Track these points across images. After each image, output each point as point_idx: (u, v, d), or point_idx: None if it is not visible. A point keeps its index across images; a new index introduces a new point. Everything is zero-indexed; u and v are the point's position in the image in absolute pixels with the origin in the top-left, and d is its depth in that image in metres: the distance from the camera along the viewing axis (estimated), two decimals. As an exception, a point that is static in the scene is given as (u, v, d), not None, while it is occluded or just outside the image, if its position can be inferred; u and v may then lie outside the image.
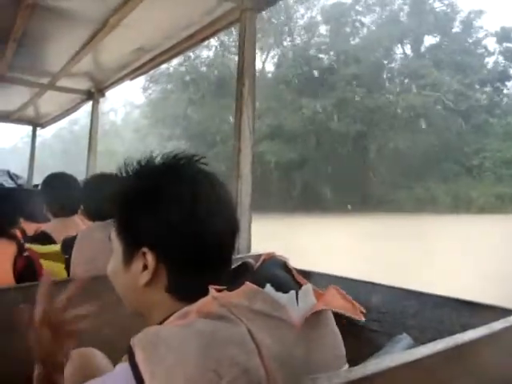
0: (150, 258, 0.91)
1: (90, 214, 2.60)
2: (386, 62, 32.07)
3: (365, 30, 33.23)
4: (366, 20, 33.38)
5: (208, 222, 0.92)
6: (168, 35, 3.11)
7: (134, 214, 0.95)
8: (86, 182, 2.72)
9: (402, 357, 0.80)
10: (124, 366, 0.75)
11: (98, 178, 2.71)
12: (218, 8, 2.64)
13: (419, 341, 1.41)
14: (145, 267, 0.92)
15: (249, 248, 2.46)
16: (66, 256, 2.44)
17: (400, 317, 1.67)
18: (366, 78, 28.68)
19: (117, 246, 1.00)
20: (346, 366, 0.91)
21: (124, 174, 1.01)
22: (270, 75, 33.67)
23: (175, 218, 0.91)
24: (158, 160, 0.99)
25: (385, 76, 31.96)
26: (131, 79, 4.13)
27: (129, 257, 0.96)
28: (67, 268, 2.49)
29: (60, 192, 3.07)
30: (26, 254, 2.37)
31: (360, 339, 1.69)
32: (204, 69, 31.77)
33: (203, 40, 3.12)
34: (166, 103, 31.42)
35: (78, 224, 3.00)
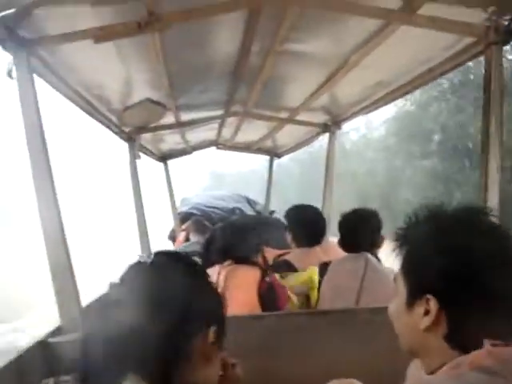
0: (433, 305, 0.93)
1: (344, 245, 2.70)
2: None
3: None
4: None
5: (498, 274, 0.92)
6: (406, 70, 3.06)
7: (424, 262, 0.98)
8: (344, 216, 2.82)
9: None
10: None
11: (354, 213, 2.80)
12: (459, 42, 2.51)
13: None
14: (426, 312, 0.95)
15: None
16: (320, 278, 2.59)
17: None
18: None
19: (401, 286, 1.03)
20: None
21: (413, 219, 1.05)
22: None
23: (465, 271, 0.92)
24: (447, 209, 1.02)
25: None
26: (367, 113, 4.16)
27: (412, 299, 0.99)
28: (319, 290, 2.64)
29: (306, 224, 3.26)
30: (267, 279, 2.54)
31: None
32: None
33: (442, 74, 3.01)
34: (419, 115, 27.64)
35: (319, 255, 3.11)
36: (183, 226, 5.85)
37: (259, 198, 7.13)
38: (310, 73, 3.31)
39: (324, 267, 2.67)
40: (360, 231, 2.65)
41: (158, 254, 1.12)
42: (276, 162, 7.06)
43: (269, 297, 2.47)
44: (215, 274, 2.50)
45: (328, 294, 2.55)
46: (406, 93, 3.49)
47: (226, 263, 2.56)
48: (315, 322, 2.19)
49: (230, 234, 2.76)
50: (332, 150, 4.83)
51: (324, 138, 5.13)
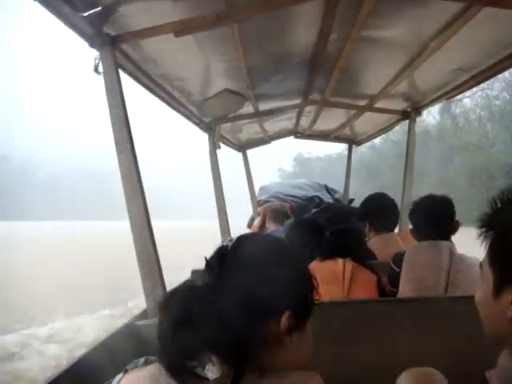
0: None
1: (417, 233, 2.65)
2: None
3: None
4: None
5: None
6: (489, 54, 2.92)
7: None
8: (417, 202, 2.77)
9: None
10: None
11: (427, 199, 2.74)
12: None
13: None
14: None
15: None
16: (397, 270, 2.55)
17: None
18: None
19: (488, 274, 1.01)
20: None
21: (499, 203, 1.01)
22: None
23: None
24: None
25: None
26: (448, 98, 4.01)
27: (500, 287, 0.96)
28: (391, 280, 2.60)
29: (384, 209, 3.26)
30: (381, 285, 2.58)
31: None
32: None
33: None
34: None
35: (398, 241, 3.07)
36: (259, 209, 5.91)
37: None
38: (389, 59, 3.24)
39: (398, 257, 2.59)
40: (440, 218, 2.57)
41: (243, 237, 1.10)
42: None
43: None
44: (338, 266, 2.54)
45: (409, 287, 2.46)
46: (489, 77, 3.31)
47: (348, 259, 2.57)
48: (395, 310, 2.16)
49: (352, 234, 2.83)
50: (412, 137, 4.69)
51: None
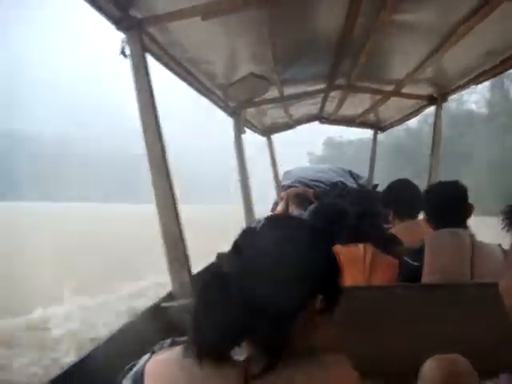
0: None
1: (433, 221, 2.63)
2: None
3: None
4: None
5: None
6: None
7: None
8: (428, 190, 2.76)
9: None
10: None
11: (438, 185, 2.73)
12: None
13: None
14: None
15: None
16: (415, 264, 2.52)
17: None
18: None
19: None
20: None
21: None
22: None
23: None
24: None
25: None
26: (476, 84, 3.95)
27: None
28: (412, 275, 2.53)
29: (407, 196, 3.25)
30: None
31: None
32: None
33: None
34: None
35: (423, 227, 3.07)
36: (282, 194, 5.92)
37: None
38: (416, 44, 3.19)
39: (416, 252, 2.56)
40: (454, 202, 2.55)
41: (274, 218, 1.11)
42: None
43: None
44: (359, 251, 2.57)
45: (434, 276, 2.43)
46: None
47: (369, 244, 2.60)
48: (420, 296, 2.17)
49: (372, 219, 2.84)
50: (439, 123, 4.65)
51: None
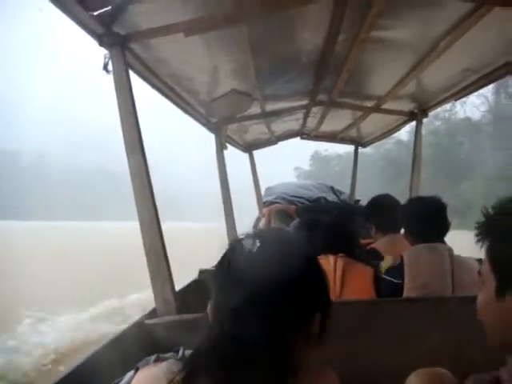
0: None
1: (410, 236, 2.64)
2: None
3: None
4: None
5: None
6: (498, 55, 2.92)
7: None
8: (406, 205, 2.79)
9: None
10: None
11: (417, 200, 2.74)
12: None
13: None
14: None
15: None
16: (395, 281, 2.50)
17: None
18: None
19: (489, 277, 1.00)
20: None
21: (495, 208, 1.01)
22: None
23: None
24: None
25: None
26: (456, 99, 4.02)
27: (502, 291, 0.96)
28: (394, 293, 2.49)
29: (388, 210, 3.28)
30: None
31: None
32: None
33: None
34: None
35: (405, 241, 3.09)
36: (264, 210, 5.91)
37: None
38: (397, 60, 3.23)
39: (395, 270, 2.55)
40: (432, 218, 2.56)
41: (262, 234, 1.05)
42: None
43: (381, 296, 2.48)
44: (329, 263, 2.52)
45: (415, 293, 2.42)
46: (497, 79, 3.31)
47: (341, 255, 2.57)
48: (403, 309, 2.16)
49: (342, 229, 2.82)
50: (419, 138, 4.71)
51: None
